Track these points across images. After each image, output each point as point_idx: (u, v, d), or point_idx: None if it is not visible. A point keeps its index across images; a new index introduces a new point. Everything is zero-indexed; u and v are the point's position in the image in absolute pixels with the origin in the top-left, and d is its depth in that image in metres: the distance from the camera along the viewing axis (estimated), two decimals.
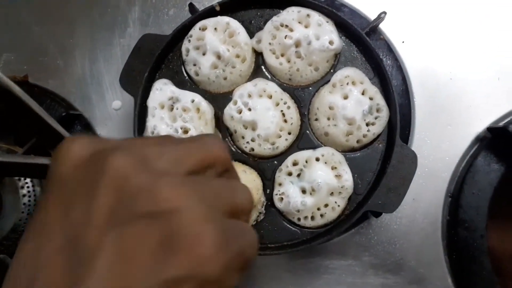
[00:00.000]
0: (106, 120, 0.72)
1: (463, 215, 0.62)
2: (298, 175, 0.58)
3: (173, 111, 0.59)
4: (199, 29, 0.61)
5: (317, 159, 0.58)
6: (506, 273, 0.65)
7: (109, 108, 0.72)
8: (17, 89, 0.41)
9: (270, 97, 0.59)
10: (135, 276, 0.22)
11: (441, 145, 0.66)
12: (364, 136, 0.58)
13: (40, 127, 0.41)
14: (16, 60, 0.75)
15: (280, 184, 0.58)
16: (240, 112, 0.59)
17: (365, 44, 0.59)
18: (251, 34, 0.62)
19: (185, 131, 0.58)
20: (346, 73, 0.59)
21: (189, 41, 0.61)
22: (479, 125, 0.66)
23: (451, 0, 0.70)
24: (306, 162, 0.58)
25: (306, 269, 0.65)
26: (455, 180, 0.65)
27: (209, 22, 0.61)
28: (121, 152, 0.25)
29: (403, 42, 0.69)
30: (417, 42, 0.69)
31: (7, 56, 0.75)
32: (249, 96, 0.59)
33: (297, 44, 0.60)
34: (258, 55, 0.62)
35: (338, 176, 0.57)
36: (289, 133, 0.60)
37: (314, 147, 0.60)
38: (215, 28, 0.61)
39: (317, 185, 0.56)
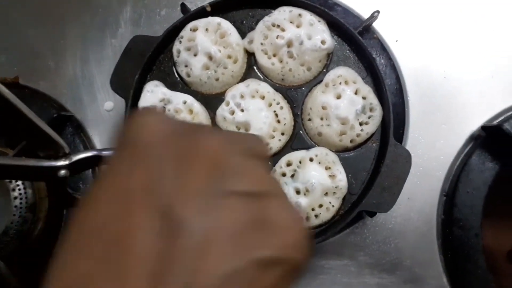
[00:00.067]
0: (98, 122, 0.71)
1: (457, 214, 0.62)
2: (292, 176, 0.58)
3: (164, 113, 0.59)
4: (190, 30, 0.61)
5: (311, 160, 0.58)
6: (501, 271, 0.65)
7: (101, 109, 0.72)
8: (6, 91, 0.41)
9: (263, 97, 0.59)
10: (228, 251, 0.22)
11: (435, 144, 0.65)
12: (358, 135, 0.58)
13: (30, 129, 0.40)
14: (7, 62, 0.74)
15: None
16: (232, 113, 0.59)
17: (358, 43, 0.59)
18: (242, 35, 0.62)
19: None
20: (338, 72, 0.58)
21: (180, 42, 0.61)
22: (474, 124, 0.65)
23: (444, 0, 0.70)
24: (300, 162, 0.58)
25: None
26: (449, 179, 0.65)
27: (200, 22, 0.61)
28: (212, 133, 0.25)
29: (396, 41, 0.68)
30: (410, 41, 0.68)
31: None
32: (242, 97, 0.59)
33: (289, 44, 0.59)
34: (250, 56, 0.62)
35: (332, 176, 0.57)
36: (282, 134, 0.59)
37: (307, 147, 0.59)
38: (206, 29, 0.60)
39: (311, 186, 0.56)
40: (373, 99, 0.58)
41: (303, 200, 0.56)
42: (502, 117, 0.65)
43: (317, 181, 0.56)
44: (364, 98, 0.58)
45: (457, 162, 0.65)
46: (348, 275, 0.64)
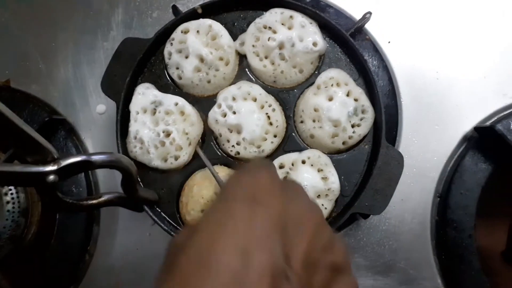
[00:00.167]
0: (90, 125, 0.71)
1: (451, 215, 0.62)
2: (285, 178, 0.57)
3: (155, 115, 0.58)
4: (181, 32, 0.60)
5: (303, 162, 0.57)
6: (495, 271, 0.65)
7: (93, 112, 0.71)
8: None
9: (255, 100, 0.59)
10: None
11: (428, 145, 0.65)
12: (350, 137, 0.58)
13: (17, 135, 0.39)
14: None
15: None
16: (224, 115, 0.58)
17: (349, 45, 0.59)
18: (234, 37, 0.61)
19: (167, 135, 0.58)
20: (330, 74, 0.58)
21: (171, 44, 0.61)
22: (467, 124, 0.65)
23: (436, 0, 0.69)
24: (292, 165, 0.58)
25: None
26: (443, 180, 0.65)
27: (191, 25, 0.60)
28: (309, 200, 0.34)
29: (389, 42, 0.68)
30: (403, 42, 0.68)
31: None
32: (234, 99, 0.58)
33: (281, 46, 0.59)
34: (242, 58, 0.62)
35: (324, 179, 0.57)
36: (275, 136, 0.59)
37: (300, 149, 0.59)
38: (198, 31, 0.60)
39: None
40: (365, 101, 0.58)
41: None
42: (495, 118, 0.65)
43: (309, 184, 0.56)
44: (356, 100, 0.58)
45: (451, 163, 0.65)
46: None
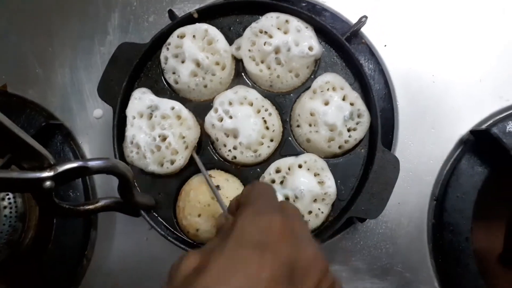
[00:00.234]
0: (87, 129, 0.71)
1: (448, 218, 0.62)
2: (281, 183, 0.58)
3: (151, 119, 0.58)
4: (177, 36, 0.61)
5: (300, 166, 0.58)
6: (493, 274, 0.65)
7: (90, 117, 0.71)
8: None
9: (251, 104, 0.59)
10: None
11: (425, 148, 0.65)
12: (346, 141, 0.58)
13: (13, 141, 0.39)
14: None
15: None
16: (221, 120, 0.58)
17: (345, 49, 0.59)
18: (230, 41, 0.62)
19: (163, 139, 0.58)
20: (326, 79, 0.58)
21: (168, 49, 0.61)
22: (463, 128, 0.66)
23: (432, 4, 0.70)
24: (289, 169, 0.58)
25: None
26: (439, 183, 0.65)
27: (187, 29, 0.60)
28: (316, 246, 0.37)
29: (385, 45, 0.68)
30: (399, 45, 0.68)
31: None
32: (230, 103, 0.59)
33: (277, 51, 0.59)
34: (238, 62, 0.62)
35: (321, 183, 0.57)
36: (271, 140, 0.59)
37: (296, 153, 0.59)
38: (194, 36, 0.60)
39: (300, 193, 0.55)
40: (360, 105, 0.58)
41: None
42: (491, 121, 0.65)
43: (306, 188, 0.56)
44: (351, 104, 0.58)
45: (447, 166, 0.65)
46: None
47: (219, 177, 0.58)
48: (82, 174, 0.45)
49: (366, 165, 0.58)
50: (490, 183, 0.62)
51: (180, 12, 0.68)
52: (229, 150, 0.59)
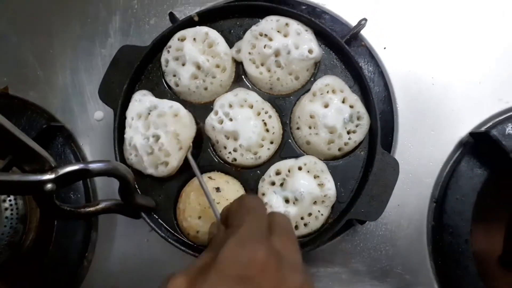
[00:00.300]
0: (88, 131, 0.71)
1: (447, 220, 0.62)
2: (281, 185, 0.58)
3: (148, 119, 0.58)
4: (178, 39, 0.61)
5: (300, 168, 0.58)
6: (493, 276, 0.66)
7: (91, 119, 0.72)
8: None
9: (251, 106, 0.59)
10: None
11: (424, 150, 0.66)
12: (346, 144, 0.58)
13: (14, 144, 0.40)
14: None
15: (263, 194, 0.58)
16: (221, 122, 0.59)
17: (345, 52, 0.59)
18: (230, 44, 0.62)
19: (157, 139, 0.57)
20: (326, 81, 0.59)
21: (168, 51, 0.61)
22: (462, 130, 0.66)
23: (432, 6, 0.70)
24: (289, 171, 0.58)
25: None
26: (439, 185, 0.65)
27: (188, 32, 0.61)
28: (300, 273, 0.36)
29: (384, 48, 0.68)
30: (399, 48, 0.69)
31: None
32: (230, 106, 0.59)
33: (277, 54, 0.59)
34: (239, 65, 0.62)
35: (320, 185, 0.57)
36: (271, 143, 0.59)
37: (296, 156, 0.59)
38: (194, 39, 0.60)
39: (300, 195, 0.56)
40: (360, 108, 0.58)
41: (292, 209, 0.56)
42: (490, 123, 0.65)
43: (306, 190, 0.56)
44: (351, 106, 0.58)
45: (446, 168, 0.65)
46: (340, 283, 0.64)
47: (219, 179, 0.59)
48: (83, 177, 0.45)
49: (366, 167, 0.58)
50: (490, 185, 0.62)
51: (180, 15, 0.68)
52: (229, 152, 0.59)
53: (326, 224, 0.58)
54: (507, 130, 0.61)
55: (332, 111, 0.57)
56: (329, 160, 0.59)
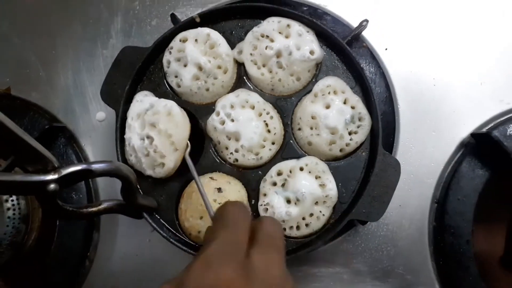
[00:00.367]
0: (90, 132, 0.72)
1: (449, 221, 0.62)
2: (283, 185, 0.58)
3: (143, 118, 0.58)
4: (180, 40, 0.61)
5: (301, 169, 0.58)
6: (494, 276, 0.65)
7: (93, 120, 0.72)
8: None
9: (253, 107, 0.59)
10: None
11: (426, 151, 0.66)
12: (347, 145, 0.58)
13: (17, 144, 0.40)
14: None
15: (264, 195, 0.58)
16: (223, 123, 0.59)
17: (346, 53, 0.59)
18: (232, 45, 0.62)
19: (151, 141, 0.56)
20: (327, 82, 0.59)
21: (170, 52, 0.61)
22: (464, 130, 0.66)
23: (433, 7, 0.70)
24: (290, 172, 0.58)
25: (294, 278, 0.63)
26: (440, 186, 0.65)
27: (189, 33, 0.61)
28: None
29: (386, 49, 0.69)
30: (400, 49, 0.69)
31: None
32: (232, 107, 0.59)
33: (278, 55, 0.60)
34: (240, 66, 0.62)
35: (322, 186, 0.57)
36: (273, 143, 0.60)
37: (298, 156, 0.59)
38: (196, 40, 0.61)
39: (301, 195, 0.56)
40: (361, 109, 0.58)
41: (293, 210, 0.56)
42: (492, 124, 0.65)
43: (307, 191, 0.56)
44: (353, 107, 0.58)
45: (448, 169, 0.65)
46: (341, 283, 0.64)
47: (221, 179, 0.59)
48: (86, 177, 0.45)
49: (367, 168, 0.58)
50: (491, 186, 0.62)
51: (182, 16, 0.69)
52: (231, 153, 0.59)
53: (328, 225, 0.58)
54: (509, 131, 0.61)
55: (334, 112, 0.57)
56: (331, 161, 0.59)
